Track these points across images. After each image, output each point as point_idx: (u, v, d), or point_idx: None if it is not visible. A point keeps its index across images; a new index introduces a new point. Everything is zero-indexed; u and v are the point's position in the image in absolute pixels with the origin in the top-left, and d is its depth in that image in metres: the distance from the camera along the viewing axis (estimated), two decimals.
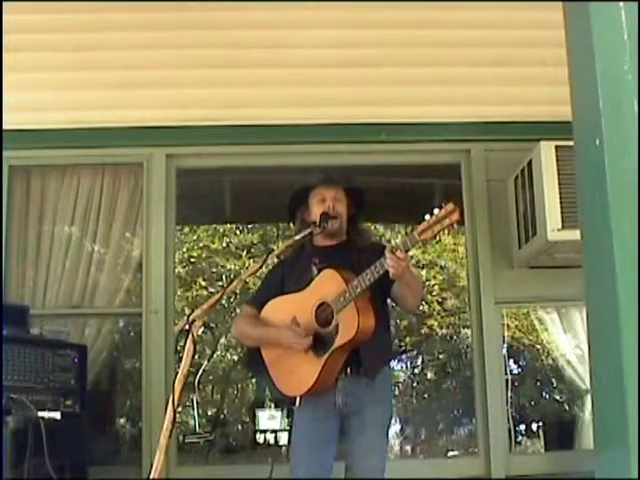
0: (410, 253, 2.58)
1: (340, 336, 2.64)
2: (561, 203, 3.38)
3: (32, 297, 3.85)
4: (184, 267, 9.68)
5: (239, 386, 11.28)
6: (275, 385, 2.82)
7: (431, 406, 11.27)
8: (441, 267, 10.06)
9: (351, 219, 2.95)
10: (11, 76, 3.55)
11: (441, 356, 10.98)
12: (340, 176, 3.00)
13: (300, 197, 2.96)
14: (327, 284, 2.71)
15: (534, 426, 9.92)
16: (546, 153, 3.45)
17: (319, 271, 2.78)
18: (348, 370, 2.72)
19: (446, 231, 2.45)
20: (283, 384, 2.80)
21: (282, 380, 2.81)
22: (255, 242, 10.04)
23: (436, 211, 2.44)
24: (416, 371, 11.71)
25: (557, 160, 3.43)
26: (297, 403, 2.77)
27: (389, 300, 2.85)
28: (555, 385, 9.62)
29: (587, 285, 1.62)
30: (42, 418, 2.90)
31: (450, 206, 2.43)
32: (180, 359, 2.38)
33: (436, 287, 10.09)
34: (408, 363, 11.63)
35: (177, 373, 2.31)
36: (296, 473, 2.74)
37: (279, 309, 2.86)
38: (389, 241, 8.41)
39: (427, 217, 2.44)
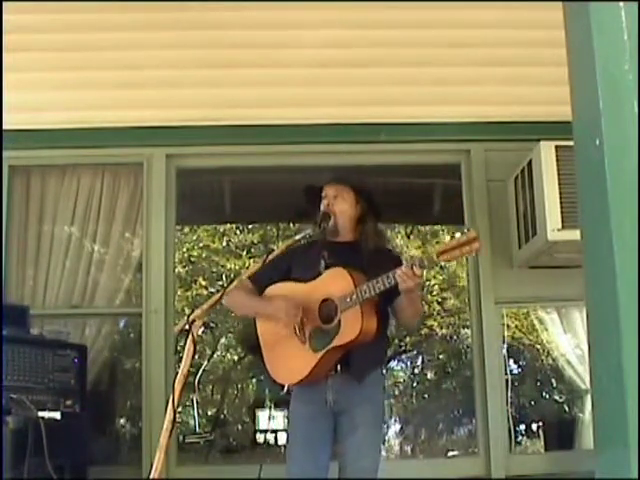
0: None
1: (341, 335, 2.64)
2: (561, 203, 3.38)
3: (32, 297, 3.85)
4: (184, 267, 9.70)
5: (239, 386, 11.29)
6: (267, 368, 2.82)
7: (431, 406, 11.27)
8: (441, 267, 10.05)
9: (361, 219, 2.92)
10: (11, 76, 3.55)
11: (441, 356, 10.99)
12: (354, 176, 2.99)
13: (313, 194, 2.96)
14: (336, 281, 2.70)
15: (534, 426, 9.93)
16: (546, 153, 3.45)
17: (327, 265, 2.77)
18: (338, 368, 2.72)
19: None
20: (275, 370, 2.81)
21: (275, 365, 2.81)
22: (255, 242, 10.05)
23: (458, 235, 2.44)
24: (416, 371, 11.72)
25: (557, 160, 3.43)
26: (285, 390, 2.78)
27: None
28: (555, 385, 9.62)
29: (587, 285, 1.62)
30: (42, 418, 2.90)
31: (472, 233, 2.44)
32: (180, 359, 2.38)
33: (436, 287, 10.09)
34: (408, 363, 11.64)
35: (177, 373, 2.31)
36: (292, 474, 2.73)
37: (284, 293, 2.82)
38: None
39: (447, 239, 2.43)
